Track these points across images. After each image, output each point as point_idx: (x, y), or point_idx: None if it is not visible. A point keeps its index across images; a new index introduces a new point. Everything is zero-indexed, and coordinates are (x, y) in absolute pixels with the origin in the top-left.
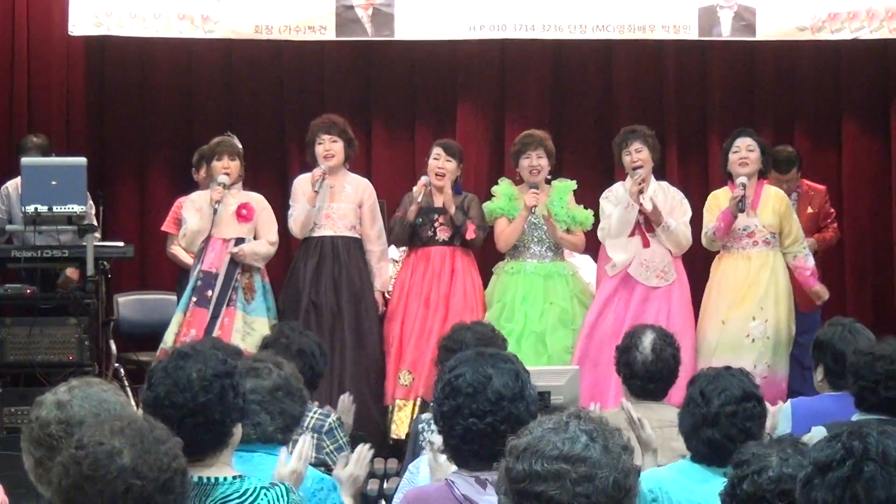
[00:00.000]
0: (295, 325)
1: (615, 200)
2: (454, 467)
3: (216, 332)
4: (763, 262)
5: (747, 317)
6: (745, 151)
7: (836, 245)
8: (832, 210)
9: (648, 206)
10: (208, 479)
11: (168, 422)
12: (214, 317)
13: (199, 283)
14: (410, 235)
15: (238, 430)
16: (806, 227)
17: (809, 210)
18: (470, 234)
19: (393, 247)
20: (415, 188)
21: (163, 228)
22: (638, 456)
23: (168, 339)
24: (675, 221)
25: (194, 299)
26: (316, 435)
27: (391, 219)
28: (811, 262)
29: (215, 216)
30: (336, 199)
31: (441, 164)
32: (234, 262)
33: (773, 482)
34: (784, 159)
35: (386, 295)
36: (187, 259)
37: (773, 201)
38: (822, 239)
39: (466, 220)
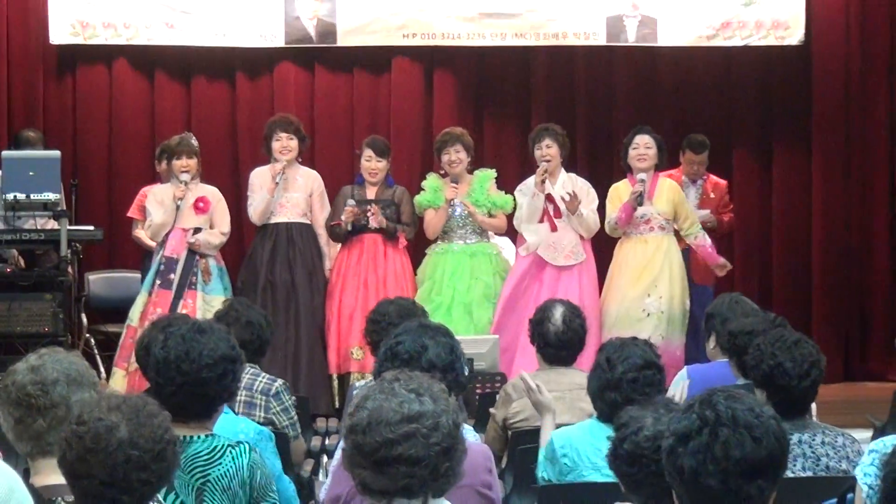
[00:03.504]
0: (244, 300)
1: (528, 192)
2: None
3: (180, 310)
4: (658, 246)
5: (643, 294)
6: (643, 148)
7: (729, 231)
8: (731, 203)
9: (555, 194)
10: (184, 437)
11: (169, 382)
12: (177, 297)
13: (163, 267)
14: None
15: (222, 409)
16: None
17: (711, 196)
18: (402, 243)
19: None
20: (344, 216)
21: (128, 214)
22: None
23: (134, 317)
24: (586, 209)
25: (158, 282)
26: (264, 397)
27: (326, 221)
28: (708, 239)
29: (178, 211)
30: (289, 189)
31: (373, 165)
32: (193, 251)
33: (649, 440)
34: (699, 142)
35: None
36: (150, 242)
37: (667, 191)
38: (720, 220)
39: (398, 229)
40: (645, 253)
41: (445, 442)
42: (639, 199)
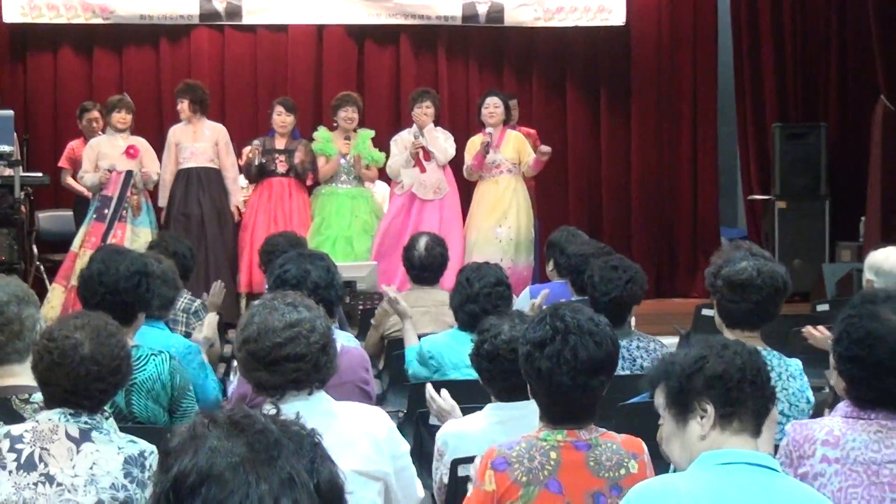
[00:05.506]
0: (173, 233)
1: (401, 144)
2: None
3: (110, 240)
4: (507, 185)
5: (495, 224)
6: (492, 108)
7: (557, 167)
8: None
9: (426, 144)
10: None
11: (94, 294)
12: (109, 228)
13: (99, 204)
14: (259, 173)
15: (142, 317)
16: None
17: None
18: (309, 182)
19: (241, 176)
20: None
21: (59, 164)
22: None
23: (76, 244)
24: (442, 141)
25: (94, 216)
26: (185, 315)
27: (245, 162)
28: (542, 157)
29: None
30: (197, 139)
31: (282, 119)
32: (125, 190)
33: (505, 343)
34: (508, 93)
35: (241, 209)
36: (78, 187)
37: (513, 141)
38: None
39: (307, 171)
40: (496, 191)
41: (322, 340)
42: (486, 149)
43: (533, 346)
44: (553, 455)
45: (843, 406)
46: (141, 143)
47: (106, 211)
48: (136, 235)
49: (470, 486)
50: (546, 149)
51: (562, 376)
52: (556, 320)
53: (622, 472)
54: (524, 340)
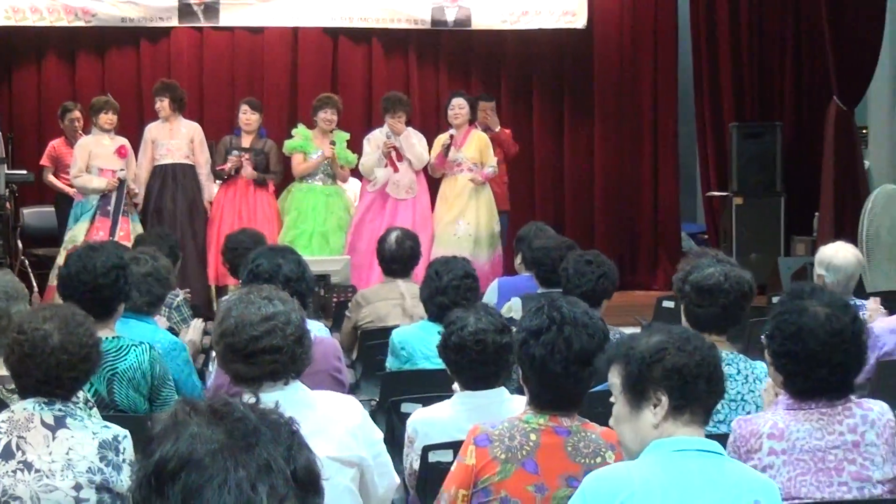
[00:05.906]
0: (161, 229)
1: (374, 143)
2: None
3: (118, 234)
4: (465, 183)
5: (454, 220)
6: (457, 109)
7: (524, 164)
8: (514, 142)
9: (399, 145)
10: None
11: (74, 292)
12: (114, 224)
13: (101, 200)
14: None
15: (121, 307)
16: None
17: (503, 138)
18: (271, 188)
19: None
20: (228, 164)
21: (41, 163)
22: None
23: (78, 238)
24: (417, 146)
25: (99, 212)
26: (167, 309)
27: (213, 163)
28: (487, 173)
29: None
30: (174, 137)
31: (247, 117)
32: (122, 185)
33: (471, 334)
34: (487, 94)
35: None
36: (59, 184)
37: (476, 141)
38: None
39: (266, 178)
40: (455, 188)
41: (297, 332)
42: (446, 150)
43: (528, 334)
44: (533, 437)
45: (783, 399)
46: (127, 143)
47: (108, 207)
48: (136, 231)
49: None
50: (479, 179)
51: (554, 365)
52: (553, 311)
53: (598, 460)
54: (521, 328)
